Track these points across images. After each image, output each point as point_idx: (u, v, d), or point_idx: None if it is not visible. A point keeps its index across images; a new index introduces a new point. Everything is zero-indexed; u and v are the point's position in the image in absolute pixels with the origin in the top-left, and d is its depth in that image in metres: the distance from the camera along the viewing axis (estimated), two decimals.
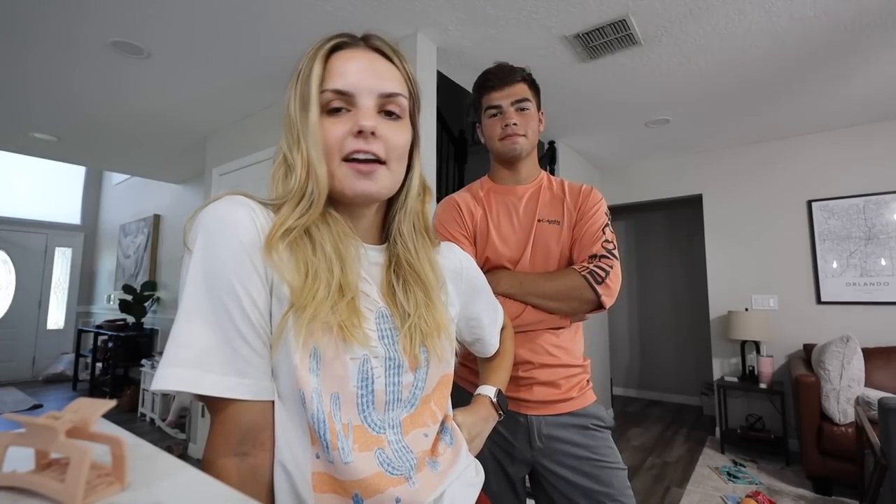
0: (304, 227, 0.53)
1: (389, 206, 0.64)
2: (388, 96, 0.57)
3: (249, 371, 0.50)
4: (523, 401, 1.03)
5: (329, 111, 0.56)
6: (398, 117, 0.59)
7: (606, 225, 1.06)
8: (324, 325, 0.51)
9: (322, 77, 0.55)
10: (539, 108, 1.12)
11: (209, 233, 0.50)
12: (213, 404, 0.50)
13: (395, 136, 0.57)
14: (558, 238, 1.07)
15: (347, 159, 0.55)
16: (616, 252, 1.04)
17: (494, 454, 1.03)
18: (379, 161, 0.56)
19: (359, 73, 0.56)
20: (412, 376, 0.59)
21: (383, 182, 0.57)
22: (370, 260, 0.61)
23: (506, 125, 1.06)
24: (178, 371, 0.46)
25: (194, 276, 0.49)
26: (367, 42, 0.59)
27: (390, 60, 0.60)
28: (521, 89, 1.07)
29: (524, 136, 1.07)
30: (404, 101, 0.59)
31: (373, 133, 0.55)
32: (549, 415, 1.03)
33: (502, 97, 1.07)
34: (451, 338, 0.65)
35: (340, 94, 0.55)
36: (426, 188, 0.66)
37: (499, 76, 1.07)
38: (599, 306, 1.00)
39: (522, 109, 1.07)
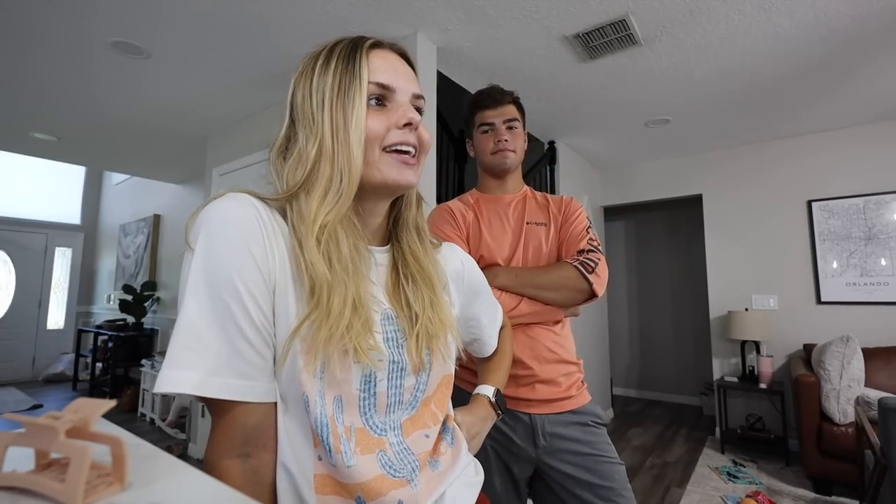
0: (334, 224, 0.53)
1: (393, 206, 0.65)
2: (418, 98, 0.60)
3: (253, 373, 0.49)
4: (526, 400, 1.05)
5: (367, 103, 0.56)
6: (421, 116, 0.61)
7: (589, 227, 1.18)
8: (338, 345, 0.50)
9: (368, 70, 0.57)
10: (524, 129, 1.23)
11: (211, 231, 0.49)
12: (215, 406, 0.49)
13: (425, 132, 0.60)
14: (547, 238, 1.16)
15: (389, 150, 0.57)
16: (601, 248, 1.13)
17: (500, 455, 1.05)
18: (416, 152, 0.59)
19: (397, 71, 0.59)
20: (414, 379, 0.59)
21: (419, 174, 0.60)
22: (377, 262, 0.61)
23: (498, 140, 1.16)
24: (181, 373, 0.46)
25: (196, 275, 0.48)
26: (393, 48, 0.62)
27: (411, 66, 0.63)
28: (512, 110, 1.18)
29: (513, 151, 1.17)
30: (424, 104, 0.62)
31: (416, 126, 0.58)
32: (552, 413, 1.05)
33: (495, 116, 1.17)
34: (456, 336, 0.65)
35: (384, 87, 0.57)
36: (419, 195, 0.69)
37: (492, 97, 1.17)
38: (592, 295, 1.06)
39: (512, 128, 1.17)
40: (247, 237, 0.49)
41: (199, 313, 0.47)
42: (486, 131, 1.18)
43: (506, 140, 1.15)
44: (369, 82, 0.56)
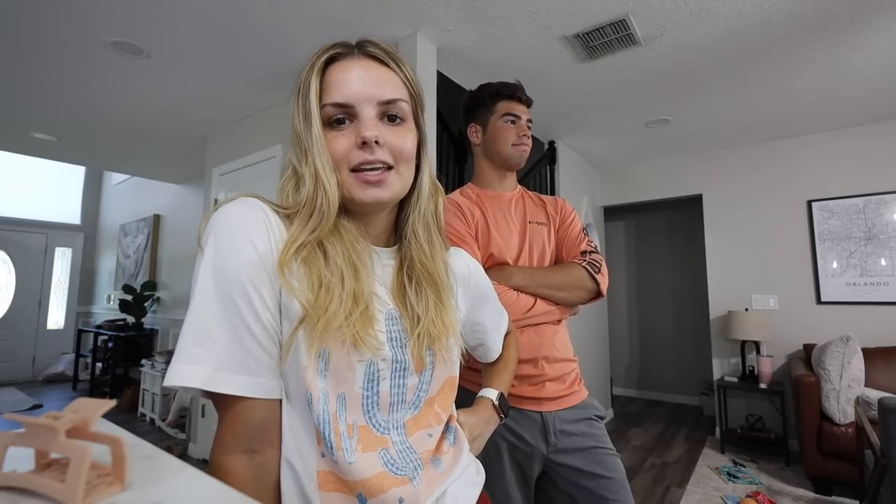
0: (317, 241, 0.54)
1: (401, 207, 0.64)
2: (388, 103, 0.57)
3: (260, 370, 0.50)
4: (537, 399, 1.06)
5: (331, 123, 0.56)
6: (401, 121, 0.59)
7: (584, 228, 1.22)
8: (336, 334, 0.51)
9: (320, 91, 0.56)
10: None
11: (220, 232, 0.51)
12: (222, 402, 0.50)
13: (400, 140, 0.57)
14: (549, 238, 1.18)
15: (355, 170, 0.56)
16: (599, 249, 1.18)
17: (513, 455, 1.05)
18: (388, 167, 0.56)
19: (356, 82, 0.56)
20: (417, 379, 0.59)
21: (394, 188, 0.58)
22: (382, 263, 0.61)
23: (523, 134, 1.17)
24: (189, 368, 0.47)
25: (205, 275, 0.50)
26: (362, 49, 0.59)
27: (387, 65, 0.59)
28: (529, 112, 1.21)
29: (528, 149, 1.19)
30: (405, 105, 0.59)
31: (377, 142, 0.55)
32: (560, 409, 1.08)
33: (522, 111, 1.18)
34: (458, 340, 0.66)
35: (340, 106, 0.55)
36: (437, 187, 0.66)
37: (523, 92, 1.19)
38: (598, 295, 1.12)
39: (529, 128, 1.20)
40: (254, 238, 0.51)
41: (207, 311, 0.49)
42: (511, 121, 1.17)
43: (528, 136, 1.16)
44: (323, 105, 0.55)
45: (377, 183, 0.56)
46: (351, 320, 0.52)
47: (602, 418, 1.13)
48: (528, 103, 1.19)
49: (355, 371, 0.53)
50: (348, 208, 0.58)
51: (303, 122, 0.56)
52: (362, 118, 0.56)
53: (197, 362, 0.47)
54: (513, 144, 1.16)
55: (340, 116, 0.56)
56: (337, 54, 0.58)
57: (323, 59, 0.57)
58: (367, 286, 0.55)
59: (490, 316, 0.81)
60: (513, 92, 1.18)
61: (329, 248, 0.54)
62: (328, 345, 0.51)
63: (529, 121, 1.18)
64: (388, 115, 0.57)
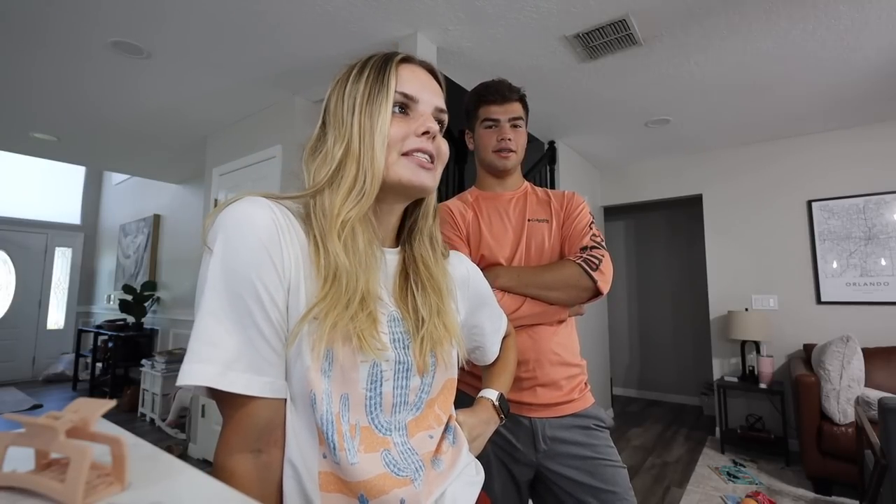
0: (353, 221, 0.55)
1: (409, 210, 0.67)
2: (441, 111, 0.64)
3: (268, 369, 0.51)
4: (526, 404, 1.04)
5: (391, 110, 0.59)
6: (441, 129, 0.64)
7: (592, 222, 1.14)
8: (343, 333, 0.52)
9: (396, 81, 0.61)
10: (526, 127, 1.21)
11: (229, 232, 0.51)
12: (230, 401, 0.50)
13: (443, 144, 0.63)
14: (549, 235, 1.13)
15: (407, 154, 0.59)
16: (604, 244, 1.10)
17: (499, 457, 1.04)
18: (431, 161, 0.61)
19: (423, 84, 0.63)
20: (419, 380, 0.60)
21: (436, 179, 0.63)
22: (386, 263, 0.63)
23: (501, 139, 1.13)
24: (200, 367, 0.47)
25: (214, 274, 0.50)
26: (422, 63, 0.66)
27: (439, 83, 0.66)
28: (517, 108, 1.15)
29: (515, 151, 1.15)
30: (446, 118, 0.66)
31: (434, 136, 0.61)
32: (553, 417, 1.04)
33: (500, 112, 1.13)
34: (459, 344, 0.67)
35: (408, 97, 0.60)
36: (437, 207, 0.71)
37: (500, 92, 1.14)
38: (597, 293, 1.03)
39: (516, 126, 1.14)
40: (263, 238, 0.51)
41: (218, 310, 0.49)
42: (489, 127, 1.14)
43: (509, 139, 1.12)
44: (396, 91, 0.59)
45: (429, 169, 0.60)
46: (357, 320, 0.53)
47: (606, 427, 1.07)
48: (511, 100, 1.13)
49: (359, 372, 0.54)
50: (377, 194, 0.60)
51: (362, 104, 0.58)
52: (424, 113, 0.61)
53: (207, 361, 0.48)
54: (493, 151, 1.13)
55: (403, 105, 0.60)
56: (406, 57, 0.63)
57: (399, 57, 0.62)
58: (374, 287, 0.56)
59: (488, 319, 0.82)
60: (489, 95, 1.14)
61: (357, 234, 0.56)
62: (333, 344, 0.52)
63: (516, 118, 1.13)
64: (437, 120, 0.63)
